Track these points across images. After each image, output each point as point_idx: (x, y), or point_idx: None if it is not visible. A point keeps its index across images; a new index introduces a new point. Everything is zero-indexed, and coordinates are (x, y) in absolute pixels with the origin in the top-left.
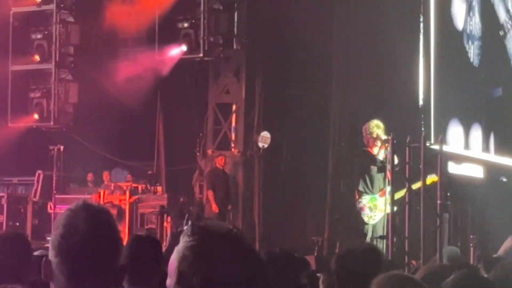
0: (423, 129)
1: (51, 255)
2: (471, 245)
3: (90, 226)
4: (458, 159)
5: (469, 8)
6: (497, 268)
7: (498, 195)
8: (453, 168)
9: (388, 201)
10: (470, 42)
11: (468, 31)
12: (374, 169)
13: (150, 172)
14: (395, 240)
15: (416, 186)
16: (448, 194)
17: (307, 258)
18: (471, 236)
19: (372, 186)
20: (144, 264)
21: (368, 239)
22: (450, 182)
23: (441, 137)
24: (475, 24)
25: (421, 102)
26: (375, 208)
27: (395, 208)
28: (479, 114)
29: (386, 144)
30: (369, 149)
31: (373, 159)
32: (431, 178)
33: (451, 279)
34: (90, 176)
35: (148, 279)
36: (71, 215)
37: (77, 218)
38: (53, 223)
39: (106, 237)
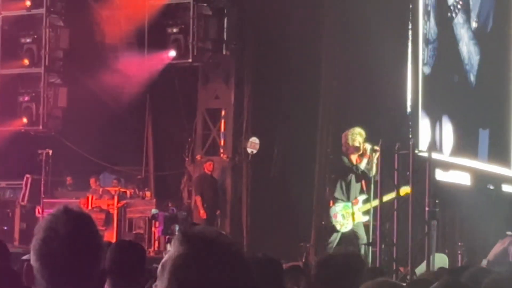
0: (410, 136)
1: (33, 259)
2: (459, 252)
3: (71, 230)
4: (446, 166)
5: (425, 12)
6: (487, 281)
7: (485, 203)
8: (440, 175)
9: (362, 210)
10: (423, 45)
11: (422, 34)
12: (351, 177)
13: (139, 176)
14: (383, 247)
15: (388, 197)
16: (437, 201)
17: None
18: (459, 244)
19: (348, 194)
20: (127, 268)
21: (333, 247)
22: (438, 189)
23: (430, 144)
24: (430, 28)
25: (409, 109)
26: (348, 216)
27: (368, 218)
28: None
29: (369, 154)
30: (349, 156)
31: (351, 167)
32: (405, 190)
33: (434, 286)
34: (69, 180)
35: (131, 283)
36: (52, 219)
37: (58, 222)
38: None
39: (86, 241)
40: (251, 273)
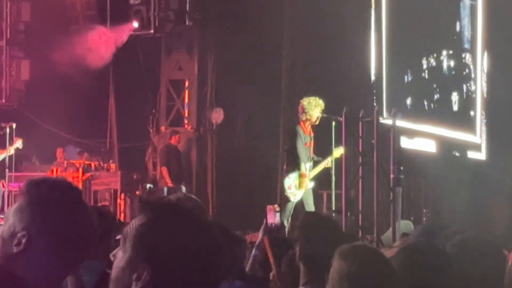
0: (375, 104)
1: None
2: (424, 219)
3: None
4: (411, 133)
5: None
6: (454, 243)
7: (451, 170)
8: (405, 142)
9: (310, 177)
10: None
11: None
12: (301, 145)
13: (103, 149)
14: (348, 214)
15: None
16: (402, 168)
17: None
18: (424, 210)
19: (299, 163)
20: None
21: (287, 217)
22: (403, 156)
23: (395, 111)
24: None
25: (373, 77)
26: (299, 186)
27: (314, 184)
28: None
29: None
30: (302, 123)
31: (302, 135)
32: (339, 151)
33: (400, 248)
34: (34, 159)
35: (98, 251)
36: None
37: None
38: (5, 201)
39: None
40: (216, 236)
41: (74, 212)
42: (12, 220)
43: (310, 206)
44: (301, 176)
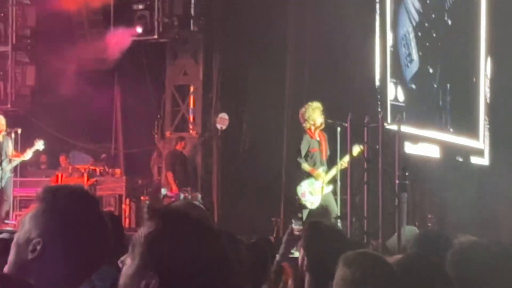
0: (380, 109)
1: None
2: (429, 224)
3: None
4: (415, 139)
5: None
6: (454, 252)
7: (455, 175)
8: (409, 148)
9: (326, 181)
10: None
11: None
12: (312, 150)
13: (104, 155)
14: (353, 220)
15: (345, 162)
16: (407, 173)
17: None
18: (429, 216)
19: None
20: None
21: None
22: (407, 162)
23: (399, 117)
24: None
25: (377, 83)
26: (315, 192)
27: (331, 188)
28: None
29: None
30: (308, 131)
31: (311, 141)
32: (356, 149)
33: (397, 260)
34: (43, 158)
35: (111, 257)
36: None
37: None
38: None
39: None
40: (223, 243)
41: (89, 220)
42: (27, 227)
43: (334, 211)
44: (310, 173)
